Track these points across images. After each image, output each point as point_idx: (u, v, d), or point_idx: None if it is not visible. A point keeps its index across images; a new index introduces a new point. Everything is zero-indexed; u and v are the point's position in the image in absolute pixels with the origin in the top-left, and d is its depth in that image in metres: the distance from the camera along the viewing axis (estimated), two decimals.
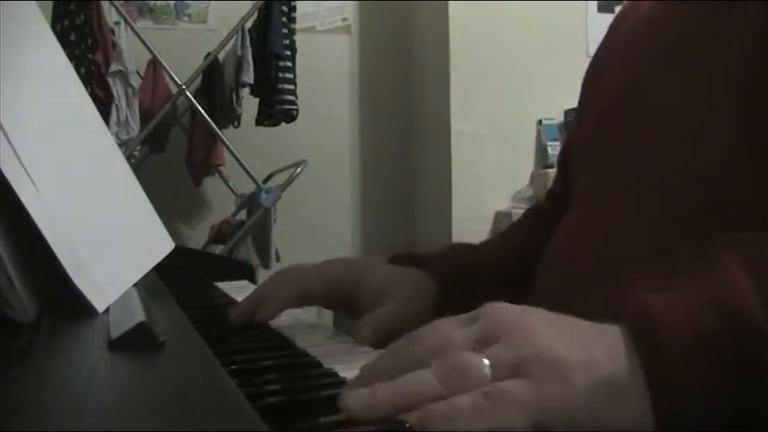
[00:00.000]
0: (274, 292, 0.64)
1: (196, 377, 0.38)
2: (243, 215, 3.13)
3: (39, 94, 0.59)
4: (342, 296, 0.66)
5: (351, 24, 3.68)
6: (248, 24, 2.90)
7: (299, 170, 2.82)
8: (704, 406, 0.35)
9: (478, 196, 3.09)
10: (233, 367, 0.45)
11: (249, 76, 2.86)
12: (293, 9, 2.98)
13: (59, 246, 0.46)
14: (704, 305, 0.36)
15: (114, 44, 2.81)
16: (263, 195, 2.74)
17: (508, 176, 3.14)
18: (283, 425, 0.34)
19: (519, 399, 0.33)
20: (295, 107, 2.96)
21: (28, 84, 0.57)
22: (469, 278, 0.72)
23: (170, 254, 0.77)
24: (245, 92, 2.99)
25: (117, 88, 2.79)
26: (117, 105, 2.78)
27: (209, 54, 2.90)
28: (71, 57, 2.62)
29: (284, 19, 2.90)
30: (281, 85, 2.90)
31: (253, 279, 1.05)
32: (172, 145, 3.17)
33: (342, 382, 0.41)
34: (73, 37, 2.70)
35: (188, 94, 2.75)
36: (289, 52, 2.92)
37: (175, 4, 3.47)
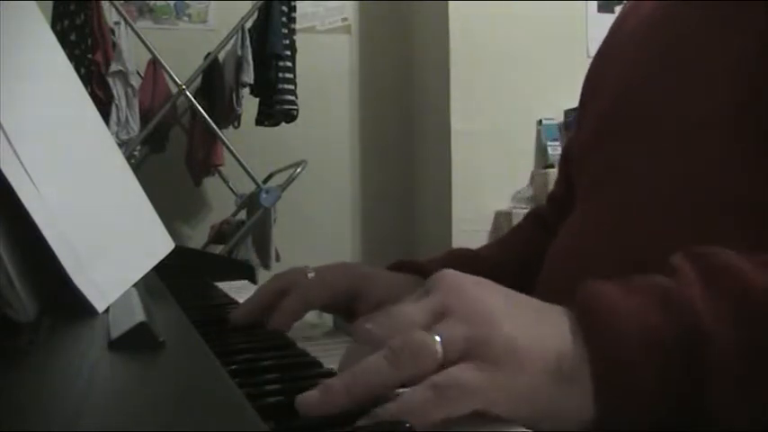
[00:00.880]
0: (281, 304, 0.63)
1: (196, 377, 0.38)
2: (243, 215, 3.13)
3: (39, 94, 0.59)
4: (343, 304, 0.66)
5: (351, 24, 3.68)
6: (248, 24, 2.90)
7: (299, 170, 2.82)
8: (645, 403, 0.35)
9: (478, 196, 3.09)
10: (233, 367, 0.45)
11: (249, 76, 2.86)
12: (293, 9, 2.98)
13: (59, 246, 0.46)
14: (653, 303, 0.37)
15: (114, 44, 2.81)
16: (263, 195, 2.74)
17: (508, 176, 3.14)
18: (283, 425, 0.34)
19: (467, 387, 0.34)
20: (295, 107, 2.96)
21: (28, 84, 0.57)
22: None
23: (170, 254, 0.77)
24: (245, 92, 2.99)
25: (117, 88, 2.79)
26: (117, 105, 2.78)
27: (209, 54, 2.90)
28: (71, 57, 2.62)
29: (284, 19, 2.90)
30: (281, 85, 2.90)
31: (253, 279, 1.05)
32: (172, 145, 3.17)
33: None
34: (73, 37, 2.70)
35: (188, 94, 2.75)
36: (289, 52, 2.92)
37: (175, 4, 3.47)
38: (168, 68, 2.80)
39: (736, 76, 0.51)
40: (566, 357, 0.36)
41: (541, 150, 3.20)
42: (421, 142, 3.56)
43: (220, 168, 3.25)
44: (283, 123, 3.06)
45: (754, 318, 0.36)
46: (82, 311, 0.47)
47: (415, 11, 3.57)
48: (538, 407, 0.35)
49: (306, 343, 0.55)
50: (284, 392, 0.41)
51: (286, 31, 2.91)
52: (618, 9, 3.39)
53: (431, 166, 3.38)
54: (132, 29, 2.80)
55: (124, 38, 2.82)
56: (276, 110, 2.96)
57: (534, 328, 0.37)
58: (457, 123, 3.12)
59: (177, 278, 0.80)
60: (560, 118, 3.17)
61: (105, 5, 2.81)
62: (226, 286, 0.91)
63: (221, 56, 2.99)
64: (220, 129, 2.88)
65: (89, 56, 2.75)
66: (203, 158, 3.12)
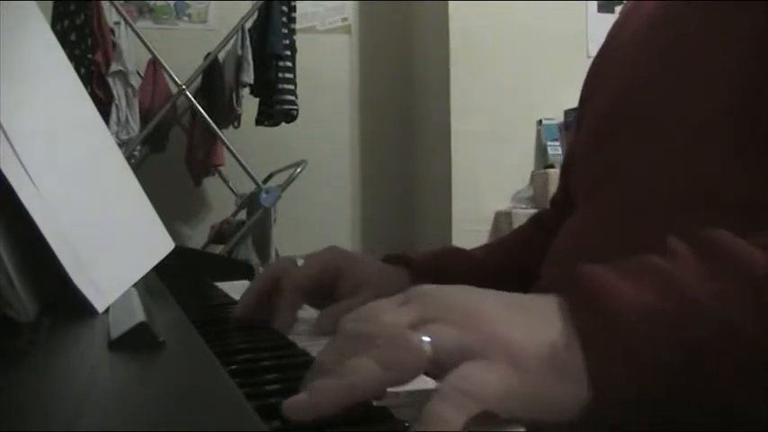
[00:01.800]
0: (277, 303, 0.63)
1: (196, 377, 0.38)
2: (243, 215, 3.13)
3: (39, 94, 0.59)
4: (329, 283, 0.66)
5: (351, 24, 3.68)
6: (248, 24, 2.90)
7: (299, 170, 2.82)
8: (643, 388, 0.35)
9: (478, 196, 3.09)
10: (233, 367, 0.45)
11: (249, 76, 2.86)
12: (293, 9, 2.98)
13: (59, 246, 0.46)
14: (648, 284, 0.37)
15: (114, 44, 2.81)
16: (263, 195, 2.74)
17: (508, 176, 3.14)
18: (283, 425, 0.34)
19: (489, 384, 0.33)
20: (295, 107, 2.96)
21: (28, 84, 0.57)
22: (452, 278, 0.72)
23: (170, 254, 0.77)
24: (245, 92, 2.99)
25: (117, 88, 2.79)
26: (117, 105, 2.78)
27: (209, 54, 2.91)
28: (71, 57, 2.62)
29: (284, 19, 2.91)
30: (281, 85, 2.90)
31: (252, 279, 1.05)
32: (172, 145, 3.17)
33: None
34: (73, 37, 2.71)
35: (188, 94, 2.75)
36: (289, 52, 2.92)
37: (175, 4, 3.47)
38: (168, 68, 2.80)
39: (735, 77, 0.51)
40: (559, 348, 0.35)
41: (541, 150, 3.20)
42: (421, 142, 3.56)
43: (220, 168, 3.25)
44: (283, 123, 3.06)
45: (753, 298, 0.35)
46: (82, 311, 0.47)
47: (415, 11, 3.57)
48: (535, 401, 0.35)
49: (306, 343, 0.55)
50: (284, 392, 0.41)
51: (286, 31, 2.91)
52: (618, 9, 3.39)
53: (431, 166, 3.38)
54: (132, 29, 2.80)
55: (124, 38, 2.82)
56: (276, 110, 2.96)
57: (523, 323, 0.36)
58: (457, 123, 3.12)
59: (177, 278, 0.80)
60: (560, 118, 3.17)
61: (105, 5, 2.81)
62: (226, 286, 0.91)
63: (221, 56, 2.99)
64: (220, 129, 2.88)
65: (89, 56, 2.75)
66: (203, 158, 3.12)
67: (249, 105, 3.05)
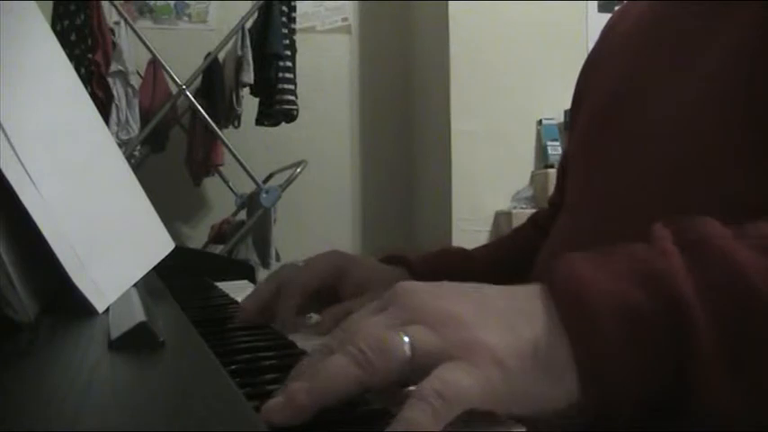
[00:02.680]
0: (279, 305, 0.64)
1: (196, 377, 0.38)
2: (243, 215, 3.13)
3: (39, 94, 0.59)
4: (330, 289, 0.67)
5: (351, 24, 3.68)
6: (248, 24, 2.90)
7: (298, 170, 2.82)
8: (629, 381, 0.35)
9: (478, 196, 3.09)
10: (233, 367, 0.45)
11: (249, 76, 2.86)
12: (293, 9, 2.98)
13: (59, 246, 0.46)
14: (631, 275, 0.36)
15: (114, 44, 2.81)
16: (263, 195, 2.74)
17: (508, 176, 3.14)
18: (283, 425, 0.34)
19: (463, 387, 0.33)
20: (295, 107, 2.96)
21: (28, 83, 0.57)
22: (449, 277, 0.72)
23: (170, 254, 0.77)
24: (245, 92, 2.99)
25: (117, 88, 2.79)
26: (117, 105, 2.78)
27: (209, 54, 2.90)
28: (71, 57, 2.62)
29: (284, 19, 2.90)
30: (281, 85, 2.90)
31: (253, 279, 1.05)
32: (172, 145, 3.17)
33: None
34: (73, 37, 2.70)
35: (188, 94, 2.75)
36: (289, 52, 2.92)
37: (175, 4, 3.47)
38: (168, 68, 2.80)
39: (732, 76, 0.51)
40: (542, 345, 0.35)
41: (541, 150, 3.20)
42: (421, 142, 3.56)
43: (220, 168, 3.25)
44: (283, 123, 3.06)
45: (736, 288, 0.35)
46: (82, 311, 0.47)
47: (415, 11, 3.57)
48: (520, 397, 0.34)
49: (306, 343, 0.55)
50: None
51: (286, 31, 2.91)
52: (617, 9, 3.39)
53: (431, 166, 3.38)
54: (132, 29, 2.80)
55: (124, 38, 2.82)
56: (276, 110, 2.96)
57: (505, 322, 0.36)
58: (457, 123, 3.12)
59: (177, 278, 0.80)
60: (560, 118, 3.17)
61: (105, 5, 2.80)
62: (226, 286, 0.91)
63: (221, 56, 2.99)
64: (220, 129, 2.88)
65: (89, 56, 2.75)
66: (203, 158, 3.12)
67: (249, 105, 3.05)
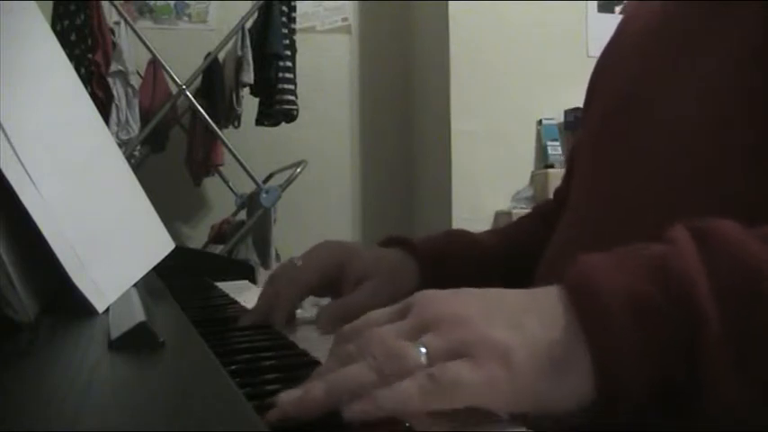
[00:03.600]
0: (276, 301, 0.65)
1: (196, 377, 0.38)
2: (243, 215, 3.13)
3: (39, 94, 0.59)
4: (332, 279, 0.67)
5: (351, 24, 3.68)
6: (248, 24, 2.90)
7: (298, 170, 2.82)
8: (643, 371, 0.35)
9: (478, 196, 3.09)
10: (233, 367, 0.45)
11: (249, 76, 2.86)
12: (293, 9, 2.98)
13: (59, 246, 0.46)
14: (644, 270, 0.36)
15: (114, 44, 2.81)
16: (263, 195, 2.74)
17: (508, 176, 3.14)
18: (283, 425, 0.34)
19: (463, 380, 0.33)
20: (295, 107, 2.96)
21: (28, 83, 0.57)
22: (453, 260, 0.72)
23: (170, 254, 0.77)
24: (245, 92, 2.99)
25: (117, 88, 2.79)
26: (117, 105, 2.78)
27: (209, 54, 2.90)
28: (71, 57, 2.62)
29: (284, 19, 2.90)
30: (281, 85, 2.90)
31: (253, 279, 1.05)
32: (172, 145, 3.17)
33: None
34: (73, 37, 2.70)
35: (188, 94, 2.75)
36: (289, 52, 2.92)
37: (175, 4, 3.47)
38: (168, 68, 2.80)
39: (740, 76, 0.51)
40: (557, 345, 0.35)
41: (541, 150, 3.20)
42: (421, 142, 3.56)
43: (220, 168, 3.25)
44: (283, 123, 3.06)
45: (750, 288, 0.35)
46: (82, 311, 0.47)
47: (415, 11, 3.57)
48: (528, 395, 0.35)
49: (306, 343, 0.55)
50: None
51: (286, 31, 2.91)
52: (618, 9, 3.39)
53: (431, 166, 3.38)
54: (132, 29, 2.80)
55: (124, 38, 2.82)
56: (276, 110, 2.96)
57: (518, 326, 0.36)
58: (457, 123, 3.12)
59: (177, 278, 0.80)
60: (560, 118, 3.17)
61: (105, 5, 2.80)
62: (226, 286, 0.91)
63: (221, 56, 2.99)
64: (220, 129, 2.88)
65: (89, 56, 2.75)
66: (203, 158, 3.12)
67: (249, 105, 3.05)
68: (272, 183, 3.02)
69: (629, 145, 0.59)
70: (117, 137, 2.73)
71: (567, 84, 2.86)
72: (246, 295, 0.81)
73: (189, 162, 3.17)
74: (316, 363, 0.48)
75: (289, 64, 2.92)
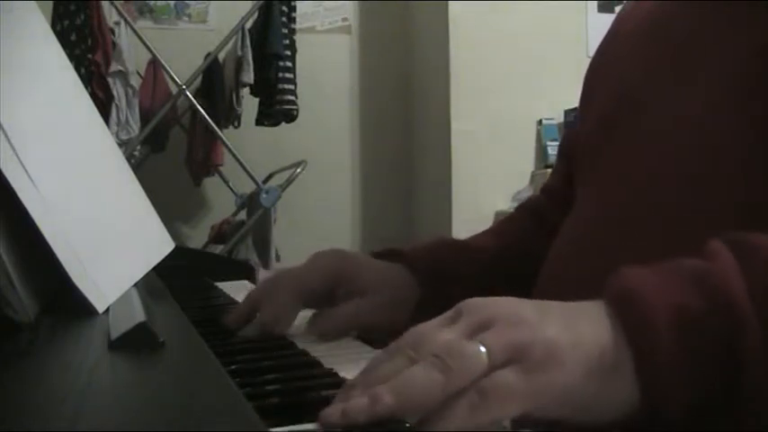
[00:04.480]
0: (275, 302, 0.62)
1: (196, 377, 0.38)
2: (243, 215, 3.13)
3: (39, 94, 0.59)
4: (327, 294, 0.65)
5: (351, 24, 3.68)
6: (248, 24, 2.90)
7: (298, 170, 2.82)
8: (687, 384, 0.35)
9: (478, 196, 3.09)
10: (233, 367, 0.45)
11: (249, 76, 2.86)
12: (293, 9, 2.98)
13: (59, 246, 0.46)
14: (689, 283, 0.37)
15: (114, 44, 2.81)
16: (263, 195, 2.74)
17: (508, 176, 3.14)
18: (283, 425, 0.34)
19: (511, 389, 0.34)
20: (295, 107, 2.96)
21: (28, 83, 0.57)
22: (451, 270, 0.71)
23: (170, 254, 0.77)
24: (245, 92, 2.99)
25: (117, 88, 2.79)
26: (117, 105, 2.78)
27: (209, 54, 2.90)
28: (71, 57, 2.62)
29: (284, 19, 2.90)
30: (281, 85, 2.90)
31: (253, 279, 1.05)
32: (172, 145, 3.17)
33: (342, 382, 0.41)
34: (73, 37, 2.70)
35: (188, 94, 2.75)
36: (289, 52, 2.92)
37: (175, 4, 3.47)
38: (168, 68, 2.80)
39: (740, 78, 0.51)
40: (606, 351, 0.36)
41: (541, 150, 3.19)
42: (421, 142, 3.56)
43: (220, 168, 3.25)
44: (283, 123, 3.06)
45: None
46: (82, 311, 0.47)
47: (415, 11, 3.57)
48: (584, 404, 0.35)
49: (306, 343, 0.55)
50: (284, 392, 0.41)
51: (286, 31, 2.91)
52: (618, 9, 3.39)
53: (431, 166, 3.38)
54: (132, 29, 2.80)
55: (124, 38, 2.82)
56: (276, 110, 2.96)
57: (571, 328, 0.36)
58: (457, 123, 3.12)
59: (177, 278, 0.80)
60: (560, 118, 3.16)
61: (105, 5, 2.80)
62: (226, 286, 0.91)
63: (221, 56, 2.99)
64: (220, 129, 2.88)
65: (89, 56, 2.75)
66: (203, 158, 3.12)
67: (249, 105, 3.05)
68: (272, 183, 3.02)
69: (633, 147, 0.58)
70: (117, 137, 2.72)
71: (567, 84, 2.85)
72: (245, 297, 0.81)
73: (189, 162, 3.17)
74: (316, 363, 0.48)
75: (289, 64, 2.92)
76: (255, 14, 2.88)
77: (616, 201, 0.58)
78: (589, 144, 0.66)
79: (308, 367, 0.47)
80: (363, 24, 3.68)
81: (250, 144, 3.14)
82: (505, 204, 3.11)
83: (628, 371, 0.36)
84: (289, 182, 2.78)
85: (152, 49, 2.79)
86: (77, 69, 2.64)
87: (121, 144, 2.70)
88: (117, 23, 2.84)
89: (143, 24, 3.25)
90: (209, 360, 0.41)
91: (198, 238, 3.36)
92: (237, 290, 0.86)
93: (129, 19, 2.81)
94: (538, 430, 0.36)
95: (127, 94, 2.81)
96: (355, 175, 3.69)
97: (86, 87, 2.47)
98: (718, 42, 0.53)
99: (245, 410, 0.31)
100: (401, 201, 3.65)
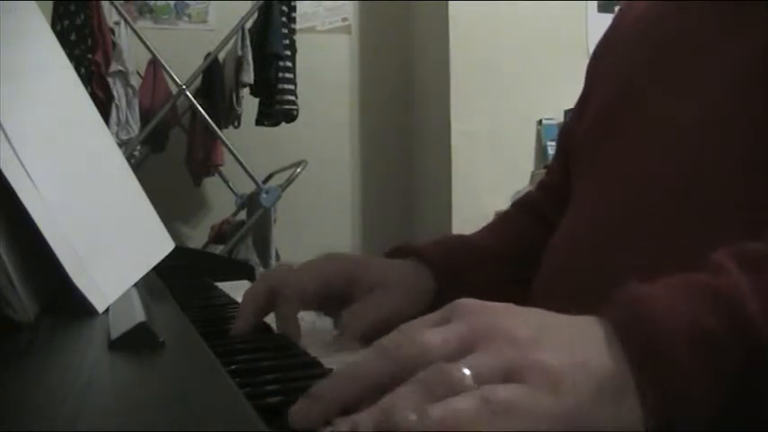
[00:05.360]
0: (278, 312, 0.61)
1: (196, 377, 0.38)
2: (243, 215, 3.13)
3: (39, 94, 0.59)
4: (337, 295, 0.63)
5: (351, 24, 3.68)
6: (248, 24, 2.90)
7: (298, 170, 2.82)
8: (698, 406, 0.34)
9: (478, 196, 3.09)
10: (233, 367, 0.45)
11: (249, 76, 2.86)
12: (293, 9, 2.98)
13: (59, 246, 0.46)
14: (701, 301, 0.35)
15: (114, 44, 2.81)
16: (263, 195, 2.74)
17: (508, 176, 3.14)
18: (283, 425, 0.34)
19: (516, 404, 0.32)
20: (295, 107, 2.96)
21: (28, 84, 0.57)
22: (466, 268, 0.70)
23: (170, 254, 0.77)
24: (245, 92, 2.99)
25: (117, 88, 2.79)
26: (117, 105, 2.78)
27: (209, 54, 2.90)
28: (71, 57, 2.62)
29: (284, 19, 2.91)
30: (281, 85, 2.90)
31: (253, 279, 1.05)
32: (172, 145, 3.17)
33: None
34: (73, 37, 2.71)
35: (188, 94, 2.75)
36: (289, 52, 2.92)
37: (175, 4, 3.47)
38: (168, 68, 2.80)
39: (734, 76, 0.51)
40: (610, 374, 0.34)
41: (541, 150, 3.20)
42: (421, 142, 3.56)
43: (220, 168, 3.25)
44: (283, 123, 3.06)
45: None
46: (82, 311, 0.47)
47: (415, 11, 3.57)
48: (579, 426, 0.33)
49: (306, 343, 0.55)
50: (284, 392, 0.41)
51: (286, 31, 2.91)
52: (618, 9, 3.39)
53: (431, 166, 3.38)
54: (132, 29, 2.80)
55: (124, 38, 2.82)
56: (276, 110, 2.96)
57: (572, 349, 0.35)
58: (457, 123, 3.12)
59: (177, 278, 0.80)
60: (560, 118, 3.16)
61: (105, 5, 2.81)
62: (226, 286, 0.91)
63: (221, 56, 2.99)
64: (220, 129, 2.88)
65: (89, 56, 2.75)
66: (203, 158, 3.12)
67: (249, 105, 3.05)
68: (272, 183, 3.02)
69: (632, 146, 0.58)
70: (117, 137, 2.73)
71: (567, 84, 2.85)
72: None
73: (189, 162, 3.17)
74: (316, 363, 0.48)
75: (289, 64, 2.92)
76: (255, 14, 2.88)
77: (615, 199, 0.58)
78: (588, 141, 0.66)
79: (308, 367, 0.47)
80: (363, 24, 3.68)
81: (250, 144, 3.14)
82: (505, 204, 3.10)
83: (635, 397, 0.34)
84: (289, 182, 2.78)
85: (152, 49, 2.79)
86: (77, 69, 2.64)
87: (121, 144, 2.70)
88: (117, 23, 2.84)
89: (143, 24, 3.26)
90: (209, 360, 0.41)
91: (198, 238, 3.37)
92: (237, 290, 0.86)
93: (129, 19, 2.81)
94: None
95: (127, 94, 2.81)
96: (355, 175, 3.69)
97: (86, 87, 2.47)
98: (719, 42, 0.53)
99: (244, 410, 0.31)
100: (401, 200, 3.65)
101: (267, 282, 0.62)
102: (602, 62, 0.70)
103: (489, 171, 3.12)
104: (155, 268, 0.70)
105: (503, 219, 0.84)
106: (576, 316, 0.37)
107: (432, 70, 3.35)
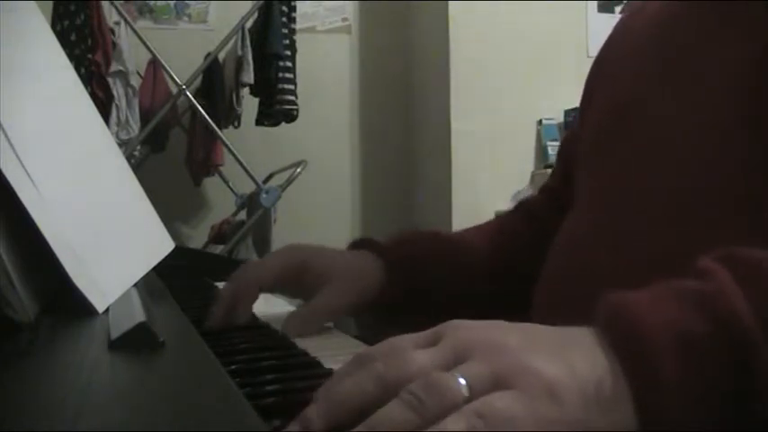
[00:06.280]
0: (236, 296, 0.66)
1: (196, 377, 0.38)
2: (243, 215, 3.13)
3: (39, 94, 0.59)
4: (292, 282, 0.68)
5: (351, 24, 3.68)
6: (248, 24, 2.90)
7: (298, 170, 2.82)
8: (689, 411, 0.34)
9: (478, 196, 3.09)
10: (233, 367, 0.45)
11: (249, 76, 2.86)
12: (293, 9, 2.98)
13: (59, 246, 0.46)
14: (688, 306, 0.35)
15: (114, 44, 2.81)
16: (263, 195, 2.74)
17: (508, 176, 3.14)
18: (283, 425, 0.34)
19: (509, 414, 0.31)
20: (295, 107, 2.96)
21: (28, 83, 0.57)
22: (424, 261, 0.72)
23: (170, 254, 0.77)
24: (245, 92, 2.99)
25: (117, 88, 2.79)
26: (117, 105, 2.78)
27: (209, 54, 2.90)
28: (71, 57, 2.62)
29: (284, 19, 2.90)
30: (281, 85, 2.90)
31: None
32: (172, 145, 3.17)
33: None
34: (73, 37, 2.71)
35: (188, 94, 2.75)
36: (289, 52, 2.92)
37: (175, 4, 3.47)
38: (168, 68, 2.80)
39: (734, 76, 0.51)
40: (601, 382, 0.34)
41: (541, 150, 3.20)
42: (421, 142, 3.56)
43: (220, 168, 3.25)
44: (283, 123, 3.06)
45: None
46: (82, 311, 0.47)
47: (415, 11, 3.57)
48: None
49: (306, 343, 0.55)
50: (284, 392, 0.41)
51: (286, 31, 2.91)
52: (618, 9, 3.39)
53: (431, 166, 3.38)
54: (132, 29, 2.80)
55: (124, 38, 2.82)
56: (276, 110, 2.96)
57: (562, 357, 0.34)
58: (457, 123, 3.12)
59: (177, 278, 0.80)
60: (560, 118, 3.17)
61: (105, 5, 2.81)
62: None
63: (221, 56, 2.99)
64: (220, 129, 2.88)
65: (89, 56, 2.75)
66: (203, 158, 3.12)
67: (249, 105, 3.05)
68: (272, 183, 3.02)
69: (631, 149, 0.58)
70: (117, 137, 2.73)
71: (567, 84, 2.86)
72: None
73: (189, 162, 3.17)
74: (316, 363, 0.48)
75: (289, 64, 2.92)
76: (255, 14, 2.88)
77: (618, 202, 0.58)
78: (590, 145, 0.66)
79: (308, 367, 0.47)
80: (363, 24, 3.68)
81: (250, 144, 3.14)
82: (505, 204, 3.11)
83: (627, 399, 0.34)
84: (289, 182, 2.78)
85: (152, 49, 2.79)
86: (77, 69, 2.64)
87: (121, 144, 2.70)
88: (117, 23, 2.84)
89: (143, 24, 3.25)
90: (209, 360, 0.41)
91: (198, 238, 3.36)
92: None
93: (129, 19, 2.81)
94: None
95: (127, 94, 2.81)
96: (355, 175, 3.69)
97: (86, 87, 2.47)
98: (720, 44, 0.53)
99: (245, 410, 0.31)
100: (401, 201, 3.65)
101: (233, 282, 0.68)
102: (604, 68, 0.70)
103: (489, 171, 3.12)
104: (155, 268, 0.70)
105: (500, 218, 0.86)
106: (564, 328, 0.37)
107: (432, 70, 3.35)
